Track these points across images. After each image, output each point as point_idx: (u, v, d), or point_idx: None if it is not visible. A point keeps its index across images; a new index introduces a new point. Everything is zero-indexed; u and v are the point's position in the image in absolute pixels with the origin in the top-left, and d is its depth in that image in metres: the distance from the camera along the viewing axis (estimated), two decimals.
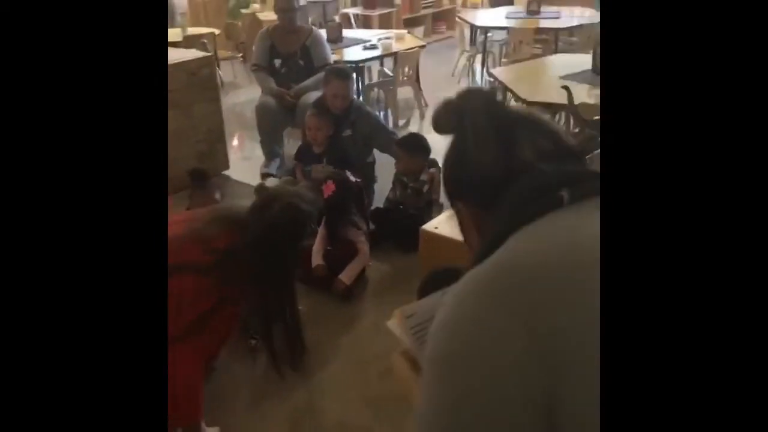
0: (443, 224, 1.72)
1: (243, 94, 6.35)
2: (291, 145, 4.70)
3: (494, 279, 0.72)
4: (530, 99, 3.61)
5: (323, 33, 4.48)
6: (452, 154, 0.90)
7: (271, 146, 4.23)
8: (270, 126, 4.16)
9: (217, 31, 6.42)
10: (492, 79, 4.31)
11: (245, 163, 4.54)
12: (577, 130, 2.38)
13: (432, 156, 3.24)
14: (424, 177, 3.21)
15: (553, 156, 0.82)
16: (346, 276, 2.79)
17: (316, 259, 2.87)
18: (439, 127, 0.90)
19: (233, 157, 4.38)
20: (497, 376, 0.66)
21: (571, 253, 0.69)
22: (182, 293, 1.70)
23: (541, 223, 0.75)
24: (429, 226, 1.72)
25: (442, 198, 3.24)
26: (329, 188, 2.84)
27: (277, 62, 4.22)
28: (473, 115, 0.86)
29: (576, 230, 0.71)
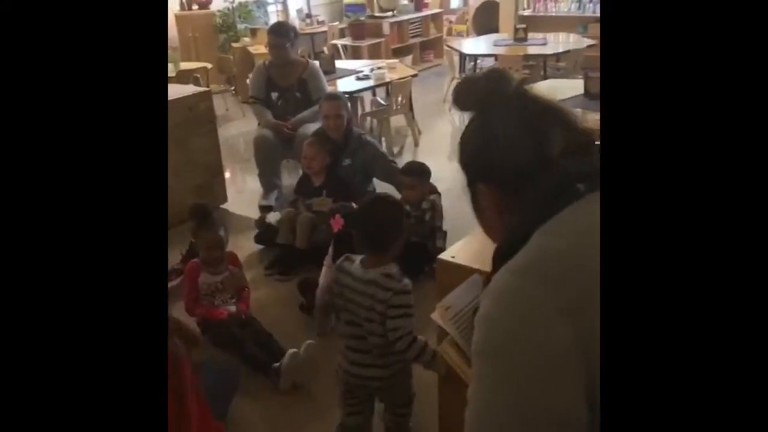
0: (460, 253, 1.72)
1: (235, 127, 6.38)
2: (288, 177, 4.72)
3: (533, 272, 0.74)
4: None
5: (319, 65, 4.53)
6: (477, 135, 0.88)
7: (269, 178, 4.24)
8: (268, 158, 4.18)
9: (209, 66, 6.46)
10: None
11: (241, 196, 4.54)
12: None
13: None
14: (425, 205, 3.22)
15: (571, 149, 0.83)
16: None
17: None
18: (462, 104, 0.90)
19: (229, 190, 4.38)
20: (549, 366, 0.68)
21: (594, 244, 0.70)
22: None
23: (563, 216, 0.77)
24: (445, 255, 1.72)
25: (445, 225, 3.26)
26: (338, 223, 2.84)
27: (274, 95, 4.25)
28: (503, 98, 0.86)
29: (593, 220, 0.72)
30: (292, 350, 2.46)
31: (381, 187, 3.82)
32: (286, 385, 2.40)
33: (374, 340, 1.88)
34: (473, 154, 0.89)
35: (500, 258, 0.80)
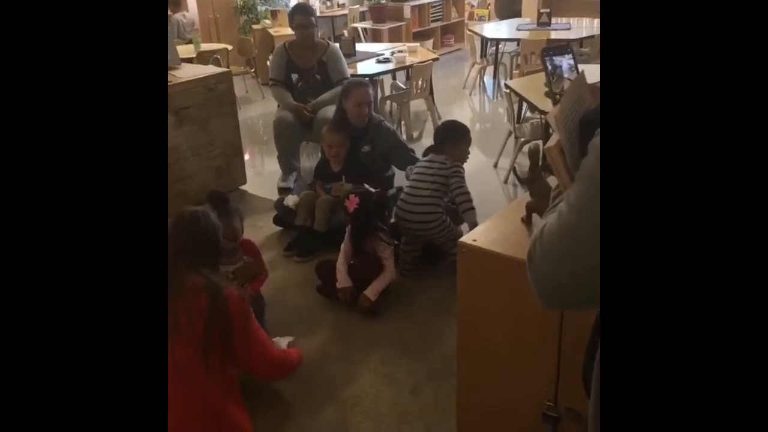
0: (481, 236, 1.70)
1: (255, 108, 6.38)
2: (308, 159, 4.72)
3: None
4: (547, 110, 3.61)
5: (339, 47, 4.49)
6: None
7: (288, 160, 4.24)
8: (287, 140, 4.17)
9: (229, 47, 6.46)
10: (508, 90, 4.31)
11: (260, 177, 4.55)
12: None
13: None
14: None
15: None
16: (372, 292, 2.77)
17: (342, 277, 2.85)
18: None
19: (248, 171, 4.39)
20: None
21: None
22: None
23: None
24: (467, 238, 1.70)
25: None
26: (353, 202, 2.83)
27: (294, 77, 4.23)
28: None
29: None
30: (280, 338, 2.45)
31: (400, 172, 3.80)
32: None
33: None
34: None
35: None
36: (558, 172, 0.92)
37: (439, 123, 3.24)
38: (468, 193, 2.93)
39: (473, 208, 2.90)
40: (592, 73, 1.01)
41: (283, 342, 2.43)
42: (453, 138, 3.07)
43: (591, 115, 0.86)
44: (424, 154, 3.15)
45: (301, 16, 4.18)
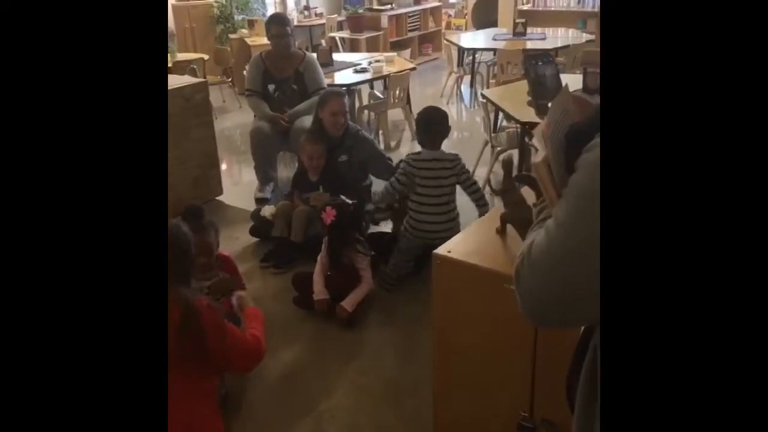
0: (457, 247, 1.70)
1: (232, 118, 6.35)
2: (284, 169, 4.70)
3: None
4: (523, 120, 3.64)
5: (316, 57, 4.50)
6: None
7: (265, 170, 4.22)
8: (264, 150, 4.16)
9: (206, 57, 6.42)
10: (484, 100, 4.34)
11: (237, 188, 4.52)
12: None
13: None
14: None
15: None
16: (349, 303, 2.76)
17: (318, 288, 2.83)
18: None
19: (225, 182, 4.36)
20: None
21: None
22: None
23: None
24: (441, 249, 1.71)
25: None
26: (330, 215, 2.82)
27: (271, 87, 4.22)
28: None
29: None
30: None
31: (377, 181, 3.80)
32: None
33: None
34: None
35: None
36: (545, 187, 0.92)
37: (418, 115, 3.08)
38: (480, 187, 3.09)
39: (487, 203, 3.03)
40: (571, 82, 1.02)
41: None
42: (443, 129, 3.01)
43: (577, 129, 0.85)
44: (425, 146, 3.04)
45: (277, 26, 4.18)
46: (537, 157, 0.93)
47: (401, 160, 3.12)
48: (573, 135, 0.86)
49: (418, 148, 3.08)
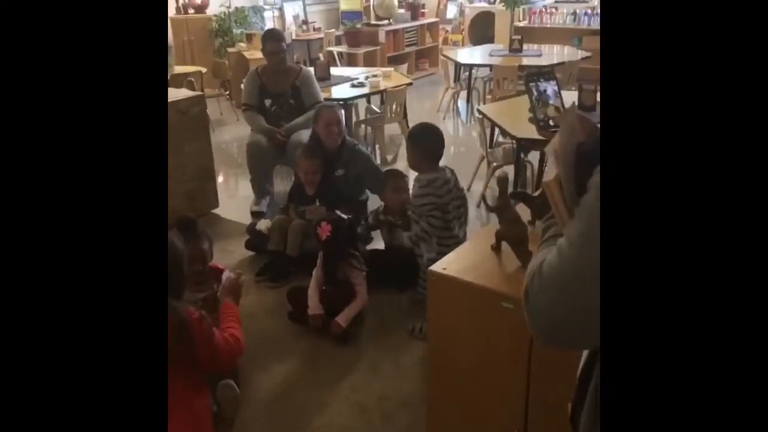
0: (451, 264, 1.70)
1: (229, 131, 6.36)
2: (281, 183, 4.71)
3: None
4: (518, 135, 3.65)
5: (312, 72, 4.52)
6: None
7: (261, 184, 4.22)
8: (261, 164, 4.16)
9: (204, 70, 6.44)
10: (480, 116, 4.36)
11: (233, 201, 4.52)
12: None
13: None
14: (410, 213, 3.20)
15: None
16: (344, 318, 2.75)
17: (313, 303, 2.82)
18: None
19: (221, 195, 4.36)
20: None
21: None
22: None
23: None
24: (437, 266, 1.71)
25: None
26: (325, 230, 2.82)
27: (267, 102, 4.23)
28: None
29: None
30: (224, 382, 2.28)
31: (373, 196, 3.80)
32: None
33: None
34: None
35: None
36: (556, 206, 0.91)
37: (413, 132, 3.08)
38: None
39: None
40: (568, 98, 1.02)
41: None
42: (442, 147, 3.00)
43: (587, 149, 0.86)
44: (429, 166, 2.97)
45: (272, 42, 4.20)
46: (548, 176, 0.93)
47: (414, 204, 2.90)
48: (583, 154, 0.86)
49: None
